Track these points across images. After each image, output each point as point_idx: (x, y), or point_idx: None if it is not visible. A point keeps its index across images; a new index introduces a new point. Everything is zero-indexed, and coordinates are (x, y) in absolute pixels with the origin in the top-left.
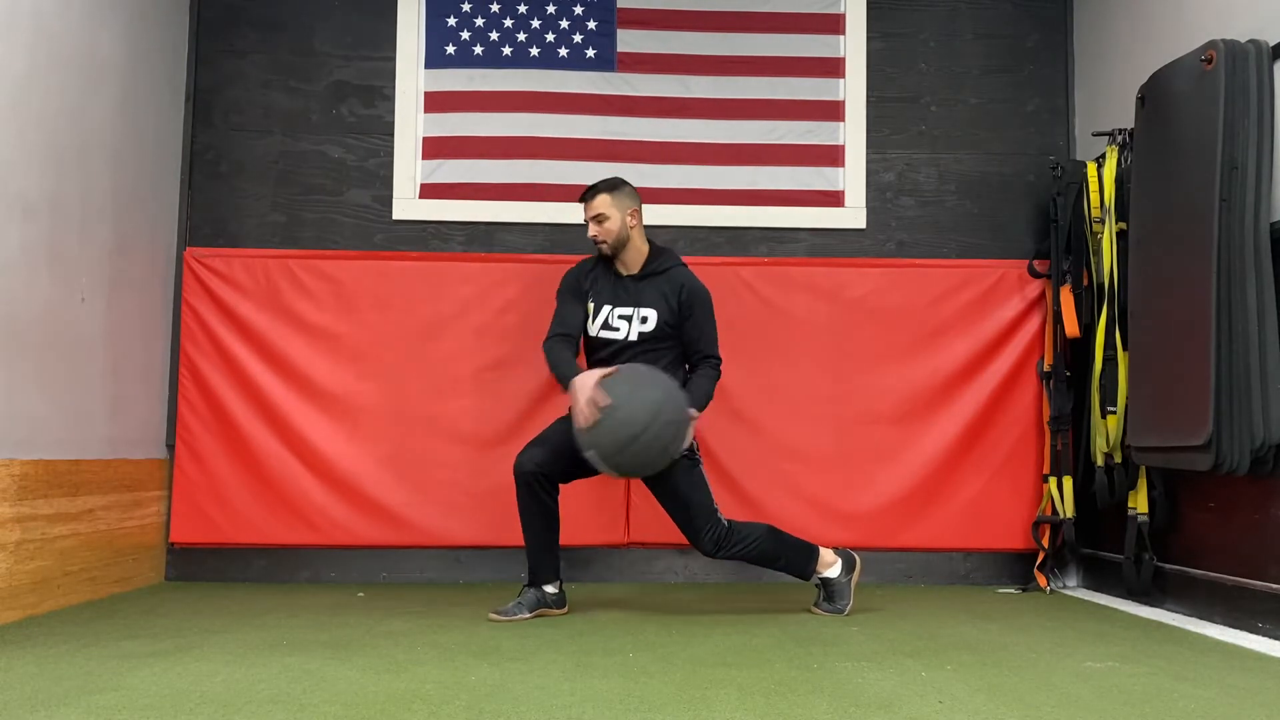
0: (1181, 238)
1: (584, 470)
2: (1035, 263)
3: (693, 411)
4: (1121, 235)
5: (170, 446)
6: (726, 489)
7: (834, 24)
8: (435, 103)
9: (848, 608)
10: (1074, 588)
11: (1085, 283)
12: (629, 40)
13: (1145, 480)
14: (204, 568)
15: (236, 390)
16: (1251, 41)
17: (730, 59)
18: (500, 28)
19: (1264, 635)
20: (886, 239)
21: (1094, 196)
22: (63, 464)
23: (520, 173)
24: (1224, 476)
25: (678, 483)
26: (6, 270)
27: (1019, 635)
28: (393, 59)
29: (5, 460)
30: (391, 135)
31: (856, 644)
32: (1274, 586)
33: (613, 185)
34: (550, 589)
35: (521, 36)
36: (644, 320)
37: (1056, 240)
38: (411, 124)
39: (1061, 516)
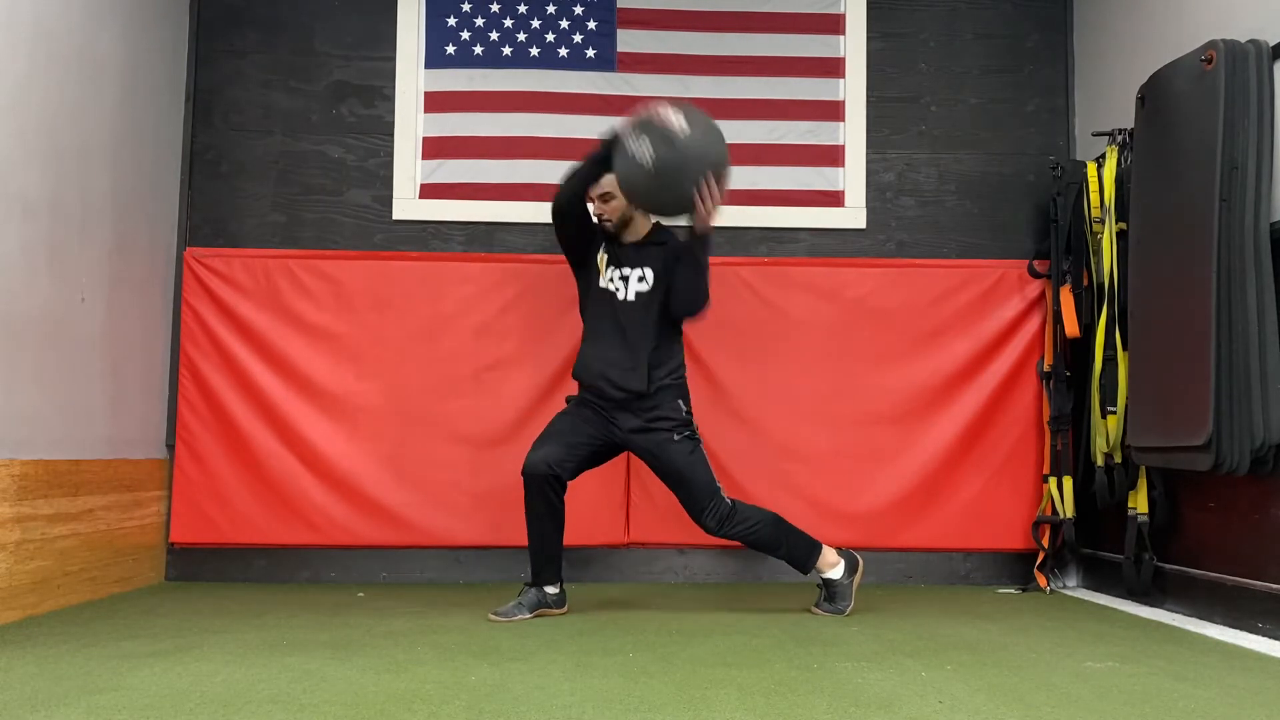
0: (1181, 238)
1: (592, 462)
2: (1035, 263)
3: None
4: (1121, 235)
5: (170, 446)
6: (727, 488)
7: (834, 24)
8: (435, 103)
9: (848, 609)
10: (1074, 588)
11: (1085, 283)
12: (629, 40)
13: (1145, 480)
14: (204, 568)
15: (236, 390)
16: (1251, 41)
17: (730, 59)
18: (500, 28)
19: (1264, 635)
20: (886, 239)
21: (1094, 196)
22: (63, 464)
23: (520, 173)
24: (1224, 476)
25: (677, 461)
26: (6, 270)
27: (1019, 635)
28: (393, 59)
29: (5, 460)
30: (391, 135)
31: (856, 644)
32: (1274, 586)
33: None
34: (551, 589)
35: (521, 36)
36: (641, 279)
37: (1056, 240)
38: (411, 124)
39: (1061, 516)
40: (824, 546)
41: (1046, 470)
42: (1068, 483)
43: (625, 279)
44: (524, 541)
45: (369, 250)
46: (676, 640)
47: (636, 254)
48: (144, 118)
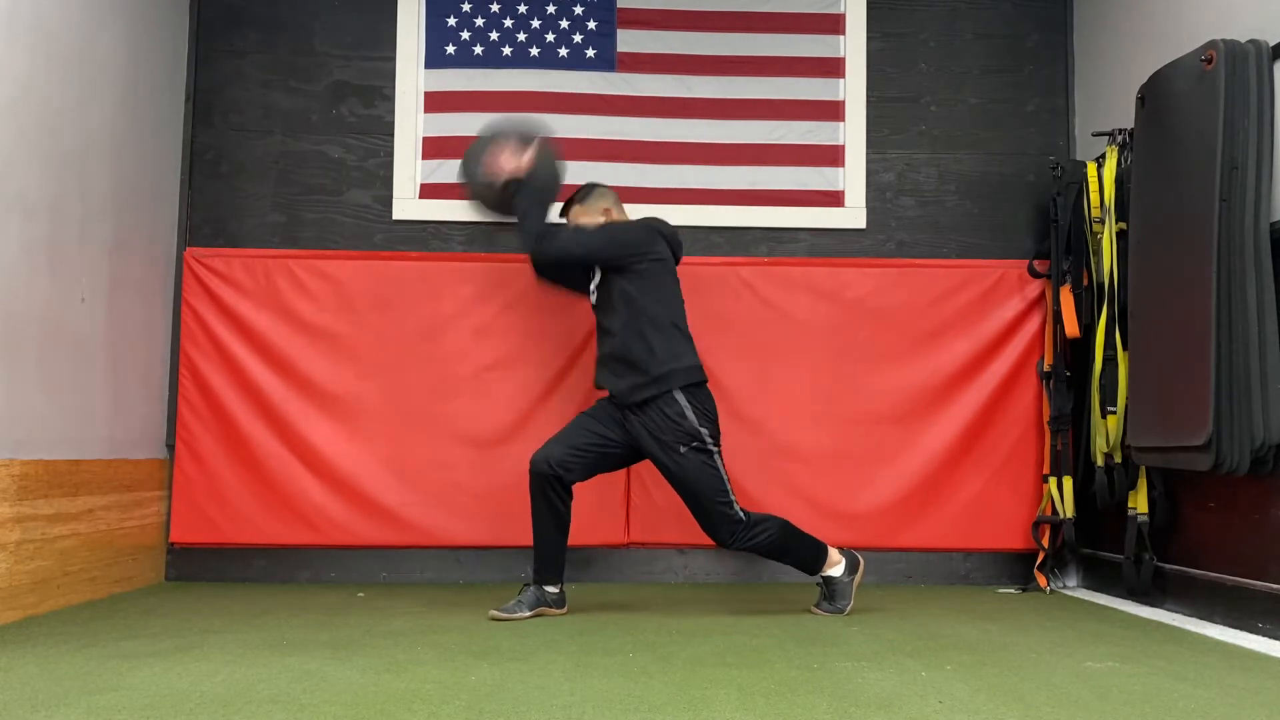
0: (1181, 238)
1: (606, 465)
2: (1035, 263)
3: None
4: (1121, 235)
5: (170, 446)
6: None
7: (834, 24)
8: (435, 103)
9: (848, 608)
10: (1074, 588)
11: (1085, 283)
12: (629, 40)
13: (1145, 480)
14: (204, 568)
15: (236, 390)
16: (1251, 41)
17: (730, 59)
18: (500, 28)
19: (1264, 635)
20: (886, 239)
21: (1094, 196)
22: (63, 464)
23: None
24: (1224, 476)
25: (689, 472)
26: (6, 270)
27: (1019, 635)
28: (393, 59)
29: (5, 460)
30: (391, 135)
31: (856, 644)
32: (1274, 586)
33: (582, 195)
34: (551, 589)
35: (521, 36)
36: (593, 277)
37: (1056, 240)
38: (411, 124)
39: (1061, 516)
40: (828, 547)
41: (1046, 470)
42: (1068, 483)
43: (595, 286)
44: (525, 541)
45: (369, 250)
46: (676, 640)
47: None
48: (144, 118)
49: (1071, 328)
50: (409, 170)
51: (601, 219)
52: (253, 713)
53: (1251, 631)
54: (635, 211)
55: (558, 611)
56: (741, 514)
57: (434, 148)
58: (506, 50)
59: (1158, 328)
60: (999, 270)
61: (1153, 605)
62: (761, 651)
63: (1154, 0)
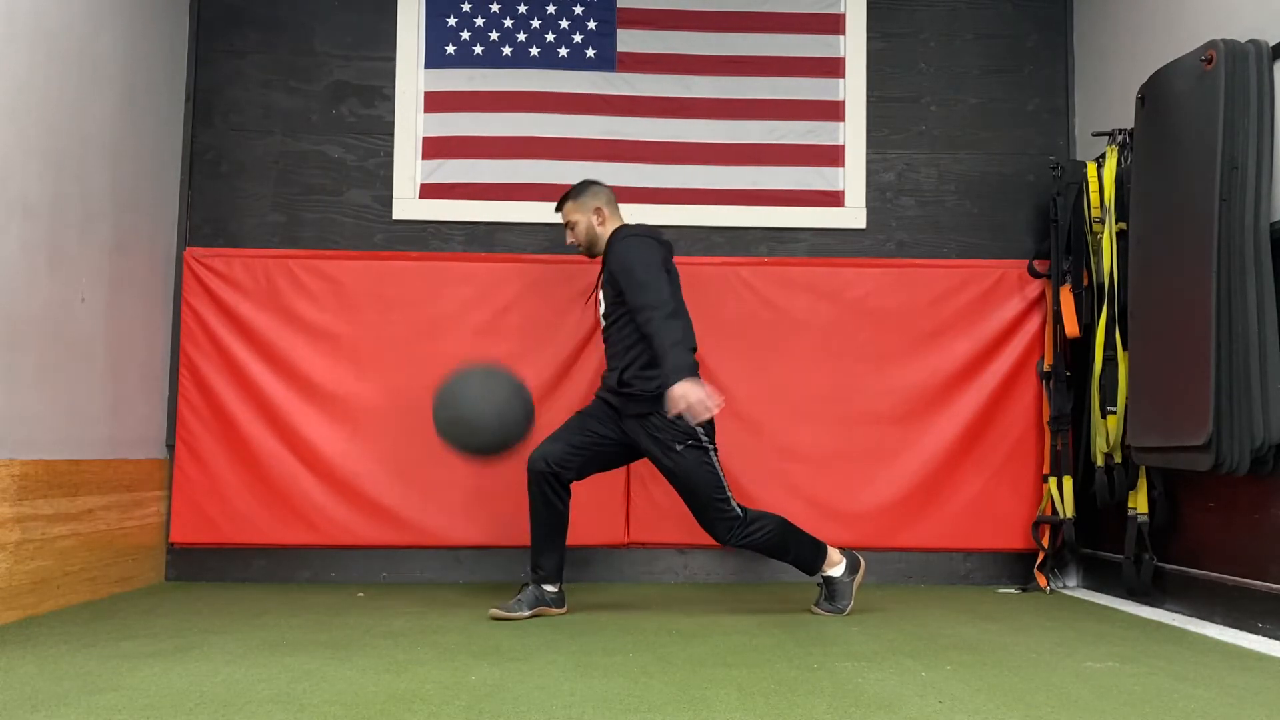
0: (1181, 238)
1: (602, 463)
2: (1035, 263)
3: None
4: (1121, 235)
5: (170, 446)
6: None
7: (834, 24)
8: (435, 103)
9: (848, 608)
10: (1074, 588)
11: (1085, 283)
12: (629, 40)
13: (1145, 480)
14: (204, 568)
15: (236, 390)
16: (1251, 41)
17: (730, 59)
18: (500, 28)
19: (1264, 635)
20: (886, 239)
21: (1094, 196)
22: (63, 464)
23: (520, 173)
24: (1224, 476)
25: (685, 470)
26: (6, 270)
27: (1019, 635)
28: (393, 59)
29: (5, 460)
30: (391, 135)
31: (856, 644)
32: (1274, 586)
33: (576, 192)
34: (550, 588)
35: (521, 36)
36: (600, 304)
37: (1056, 240)
38: (411, 124)
39: (1061, 516)
40: (829, 547)
41: (1046, 470)
42: (1068, 483)
43: (600, 295)
44: (525, 541)
45: (369, 250)
46: (676, 640)
47: (598, 278)
48: (144, 118)
49: (1071, 328)
50: (409, 170)
51: (593, 217)
52: (253, 713)
53: (1251, 631)
54: (635, 212)
55: (557, 611)
56: (739, 510)
57: (434, 148)
58: (506, 50)
59: (1158, 328)
60: (999, 270)
61: (1153, 605)
62: (761, 651)
63: (1154, 0)
